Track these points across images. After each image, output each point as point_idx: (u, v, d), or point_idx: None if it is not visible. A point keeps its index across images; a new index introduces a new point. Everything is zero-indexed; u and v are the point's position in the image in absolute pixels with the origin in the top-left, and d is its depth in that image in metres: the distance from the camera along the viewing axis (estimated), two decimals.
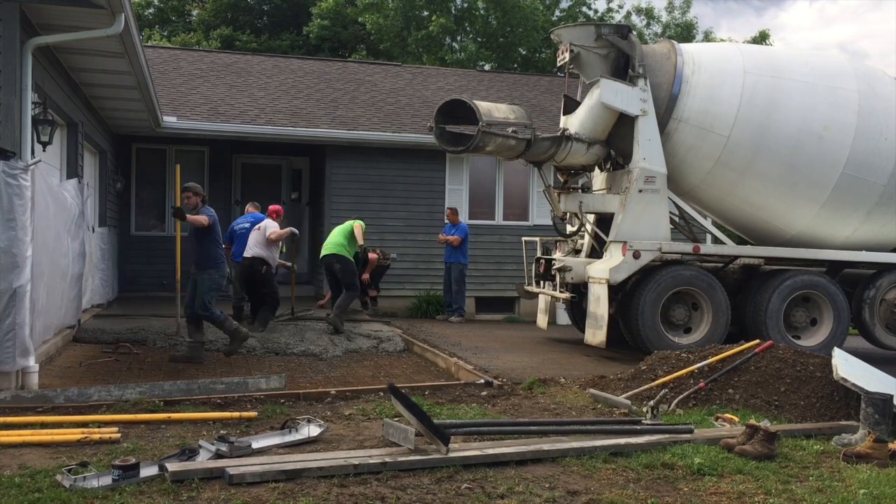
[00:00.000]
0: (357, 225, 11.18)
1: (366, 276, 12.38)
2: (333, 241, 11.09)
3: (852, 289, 10.52)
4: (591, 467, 5.12)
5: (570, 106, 10.48)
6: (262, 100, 14.85)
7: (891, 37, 55.88)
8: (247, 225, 10.93)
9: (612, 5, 30.79)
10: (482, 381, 7.82)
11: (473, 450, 5.24)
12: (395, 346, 10.31)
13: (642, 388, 7.18)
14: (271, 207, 11.16)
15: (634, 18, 32.00)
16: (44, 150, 8.07)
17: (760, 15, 57.88)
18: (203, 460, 4.87)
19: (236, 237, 10.99)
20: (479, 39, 28.38)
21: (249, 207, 11.55)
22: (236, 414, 6.20)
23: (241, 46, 27.00)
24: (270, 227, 10.47)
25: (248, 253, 10.32)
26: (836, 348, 7.46)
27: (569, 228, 10.83)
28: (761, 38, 31.68)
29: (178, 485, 4.43)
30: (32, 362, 6.75)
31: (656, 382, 7.22)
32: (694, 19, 33.02)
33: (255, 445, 5.22)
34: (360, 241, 11.12)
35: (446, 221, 13.58)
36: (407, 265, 13.85)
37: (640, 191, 9.72)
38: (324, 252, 11.14)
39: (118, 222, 14.07)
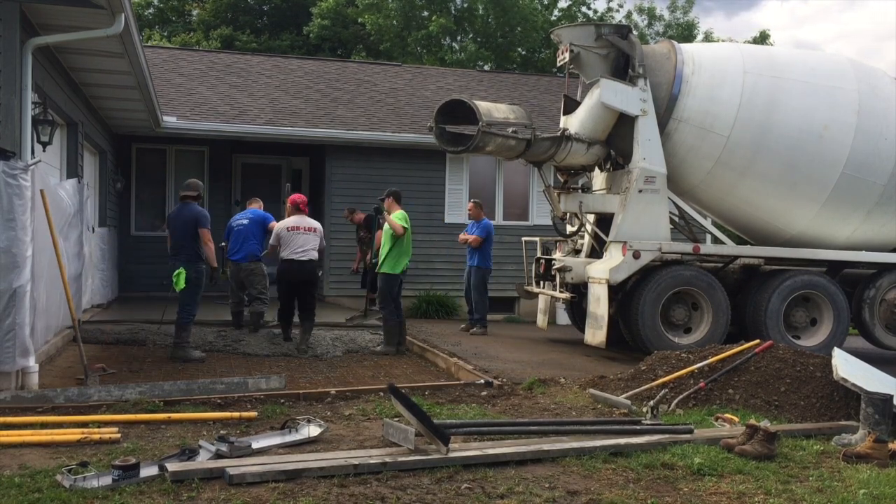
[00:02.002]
0: (397, 223, 9.72)
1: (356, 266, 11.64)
2: (383, 255, 9.97)
3: (852, 289, 10.52)
4: (591, 467, 5.12)
5: (570, 106, 10.48)
6: (262, 100, 14.85)
7: (864, 37, 56.18)
8: (245, 221, 10.48)
9: (611, 4, 30.83)
10: (482, 381, 7.82)
11: (473, 450, 5.24)
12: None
13: (642, 388, 7.18)
14: (299, 198, 10.18)
15: (635, 17, 32.03)
16: (44, 150, 8.07)
17: (730, 17, 57.70)
18: (203, 460, 4.87)
19: (233, 234, 10.49)
20: (478, 39, 28.39)
21: (252, 204, 11.08)
22: (236, 414, 6.20)
23: (241, 46, 27.01)
24: (319, 229, 9.87)
25: (304, 256, 9.54)
26: (836, 348, 7.46)
27: (569, 228, 10.83)
28: (761, 39, 31.69)
29: (178, 485, 4.43)
30: (32, 362, 6.75)
31: (656, 382, 7.22)
32: (695, 19, 33.08)
33: (255, 445, 5.22)
34: (406, 226, 9.75)
35: (470, 220, 12.11)
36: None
37: (640, 191, 9.72)
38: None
39: (118, 222, 14.07)
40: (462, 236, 11.94)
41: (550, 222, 11.35)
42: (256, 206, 10.99)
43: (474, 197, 14.58)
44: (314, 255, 9.64)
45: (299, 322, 9.79)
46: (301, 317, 9.76)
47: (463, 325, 11.98)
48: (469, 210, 11.99)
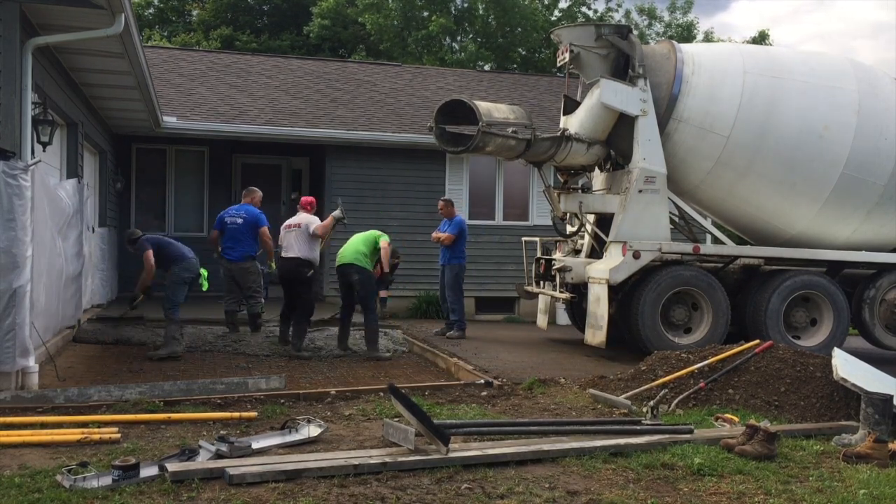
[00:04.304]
0: (384, 242, 9.76)
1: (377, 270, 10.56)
2: (352, 248, 9.71)
3: (852, 289, 10.52)
4: (591, 467, 5.12)
5: (570, 106, 10.48)
6: (262, 100, 14.85)
7: (836, 38, 56.40)
8: (239, 221, 10.10)
9: (611, 5, 30.83)
10: (482, 381, 7.82)
11: (473, 450, 5.24)
12: (395, 346, 10.30)
13: (642, 388, 7.18)
14: (304, 199, 10.27)
15: (635, 16, 32.04)
16: (44, 150, 8.07)
17: (699, 18, 57.58)
18: (203, 460, 4.87)
19: (227, 231, 10.12)
20: (478, 39, 28.40)
21: (245, 198, 10.59)
22: (236, 414, 6.20)
23: (241, 46, 26.99)
24: (313, 222, 9.73)
25: (290, 253, 9.58)
26: (835, 348, 7.46)
27: (569, 228, 10.83)
28: (761, 39, 31.71)
29: (178, 485, 4.43)
30: (32, 362, 6.74)
31: (656, 383, 7.22)
32: (695, 19, 33.11)
33: (255, 445, 5.22)
34: (385, 266, 9.90)
35: (443, 217, 11.77)
36: (407, 265, 13.80)
37: (640, 191, 9.71)
38: (340, 261, 9.76)
39: (118, 222, 14.07)
40: (435, 235, 11.51)
41: (550, 222, 11.33)
42: (249, 201, 10.51)
43: (474, 197, 14.60)
44: (298, 251, 9.55)
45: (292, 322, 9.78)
46: (293, 316, 9.76)
47: (437, 329, 11.45)
48: (440, 209, 11.55)
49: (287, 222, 9.91)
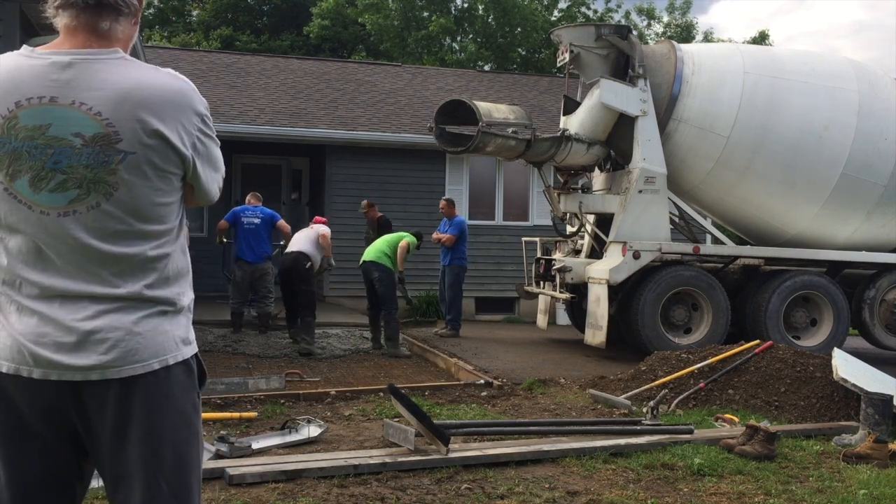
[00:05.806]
0: (403, 242, 10.04)
1: None
2: (376, 247, 10.02)
3: (852, 289, 10.51)
4: (591, 468, 5.12)
5: (570, 106, 10.47)
6: (262, 100, 14.85)
7: (819, 37, 56.44)
8: (256, 221, 10.36)
9: (611, 5, 30.84)
10: (482, 381, 7.82)
11: (473, 450, 5.24)
12: None
13: (642, 388, 7.18)
14: (318, 218, 10.93)
15: (634, 17, 32.05)
16: None
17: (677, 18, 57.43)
18: (203, 460, 4.86)
19: (242, 231, 10.34)
20: (478, 40, 28.41)
21: (252, 199, 10.83)
22: (236, 414, 6.19)
23: (241, 47, 26.99)
24: (326, 231, 10.14)
25: (292, 248, 9.77)
26: (835, 349, 7.46)
27: (569, 229, 10.82)
28: (761, 39, 31.73)
29: None
30: None
31: (656, 383, 7.22)
32: (694, 19, 33.14)
33: (255, 446, 5.22)
34: (400, 266, 10.00)
35: (444, 217, 11.83)
36: (406, 266, 13.75)
37: (640, 191, 9.71)
38: (363, 259, 10.09)
39: None
40: (435, 235, 11.50)
41: (550, 222, 11.33)
42: (257, 202, 10.79)
43: (474, 197, 14.59)
44: (301, 247, 9.71)
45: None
46: (297, 314, 9.80)
47: (436, 329, 11.52)
48: (441, 208, 11.64)
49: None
